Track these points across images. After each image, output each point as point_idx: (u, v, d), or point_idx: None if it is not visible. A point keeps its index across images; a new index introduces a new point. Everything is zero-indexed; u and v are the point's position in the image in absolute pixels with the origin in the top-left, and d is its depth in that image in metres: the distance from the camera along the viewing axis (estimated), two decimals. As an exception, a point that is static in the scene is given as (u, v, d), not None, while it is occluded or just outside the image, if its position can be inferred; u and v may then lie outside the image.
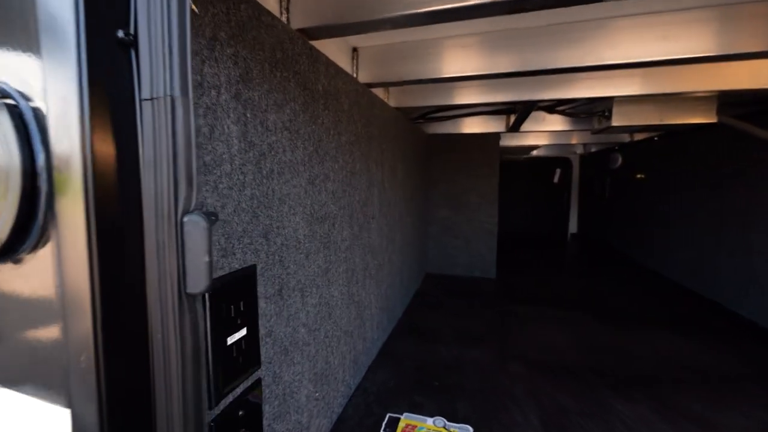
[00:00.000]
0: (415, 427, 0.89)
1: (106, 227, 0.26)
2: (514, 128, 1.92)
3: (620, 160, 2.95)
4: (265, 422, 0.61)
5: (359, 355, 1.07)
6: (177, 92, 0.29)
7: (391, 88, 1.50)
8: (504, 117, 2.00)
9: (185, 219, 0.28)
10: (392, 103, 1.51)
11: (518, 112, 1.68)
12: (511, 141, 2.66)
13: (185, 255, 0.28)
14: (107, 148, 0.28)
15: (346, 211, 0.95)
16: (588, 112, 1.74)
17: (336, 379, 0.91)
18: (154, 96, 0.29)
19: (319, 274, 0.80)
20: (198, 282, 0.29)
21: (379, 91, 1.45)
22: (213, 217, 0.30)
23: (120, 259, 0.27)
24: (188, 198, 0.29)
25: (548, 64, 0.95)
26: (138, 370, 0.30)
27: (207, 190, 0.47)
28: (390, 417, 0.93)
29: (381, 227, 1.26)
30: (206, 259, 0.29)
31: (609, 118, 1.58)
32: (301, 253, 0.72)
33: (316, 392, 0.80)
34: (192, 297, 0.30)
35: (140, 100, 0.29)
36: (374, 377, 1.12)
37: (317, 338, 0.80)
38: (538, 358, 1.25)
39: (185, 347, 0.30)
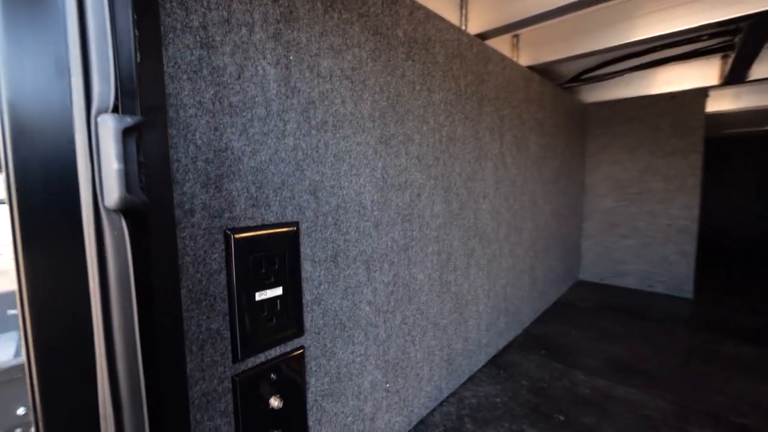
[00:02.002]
0: (514, 463, 0.68)
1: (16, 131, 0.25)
2: (736, 76, 1.29)
3: None
4: (311, 396, 0.56)
5: (456, 356, 0.91)
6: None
7: (522, 43, 1.24)
8: (715, 60, 1.38)
9: (98, 119, 0.25)
10: (524, 60, 1.25)
11: (743, 45, 1.10)
12: (728, 102, 1.84)
13: (100, 162, 0.25)
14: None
15: (440, 182, 0.81)
16: None
17: (418, 376, 0.79)
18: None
19: (393, 249, 0.70)
20: (111, 194, 0.25)
21: (500, 44, 1.22)
22: (132, 119, 0.25)
23: (34, 164, 0.25)
24: (103, 96, 0.25)
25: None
26: (66, 295, 0.28)
27: (233, 132, 0.45)
28: (484, 439, 0.74)
29: (497, 210, 1.05)
30: (116, 166, 0.24)
31: None
32: (366, 221, 0.64)
33: (387, 383, 0.70)
34: (114, 214, 0.26)
35: None
36: (477, 388, 0.93)
37: (389, 322, 0.70)
38: (743, 424, 0.78)
39: (106, 271, 0.26)
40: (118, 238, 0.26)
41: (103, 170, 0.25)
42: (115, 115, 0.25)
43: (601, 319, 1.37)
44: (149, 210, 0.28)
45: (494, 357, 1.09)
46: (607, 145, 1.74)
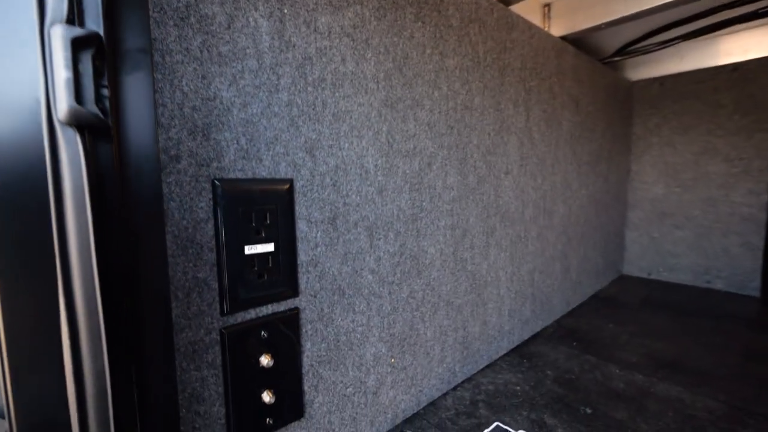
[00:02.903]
0: (529, 452, 0.62)
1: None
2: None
3: None
4: (306, 361, 0.54)
5: (473, 340, 0.86)
6: None
7: (554, 12, 1.15)
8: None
9: (51, 30, 0.25)
10: (556, 30, 1.16)
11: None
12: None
13: (53, 73, 0.25)
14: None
15: (454, 153, 0.77)
16: None
17: (429, 355, 0.75)
18: None
19: (400, 218, 0.67)
20: (60, 105, 0.25)
21: (529, 12, 1.14)
22: (84, 30, 0.25)
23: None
24: (56, 7, 0.25)
25: None
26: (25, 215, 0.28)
27: (222, 82, 0.44)
28: (499, 427, 0.69)
29: (522, 189, 0.98)
30: (63, 74, 0.24)
31: None
32: (369, 186, 0.61)
33: (392, 357, 0.68)
34: (69, 129, 0.26)
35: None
36: (495, 375, 0.87)
37: (395, 294, 0.67)
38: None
39: (59, 186, 0.26)
40: (73, 156, 0.26)
41: (55, 80, 0.25)
42: (66, 24, 0.25)
43: (646, 314, 1.24)
44: (109, 129, 0.28)
45: (518, 346, 1.02)
46: (656, 126, 1.58)
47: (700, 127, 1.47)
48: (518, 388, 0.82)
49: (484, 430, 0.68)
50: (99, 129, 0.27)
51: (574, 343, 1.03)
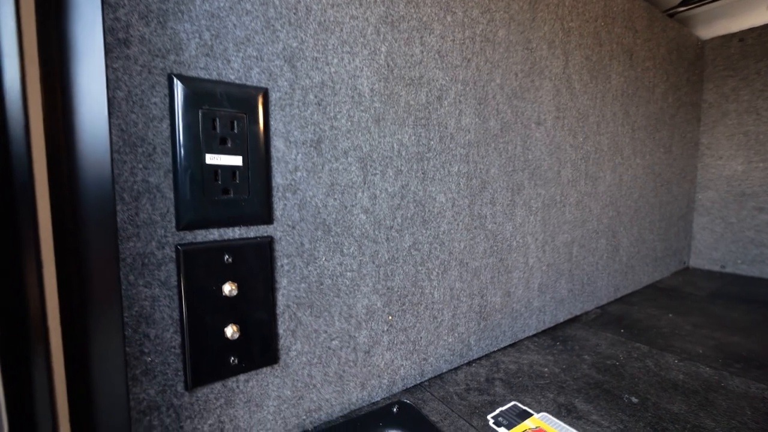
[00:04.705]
0: (551, 436, 0.50)
1: None
2: None
3: None
4: (282, 300, 0.48)
5: (493, 311, 0.74)
6: None
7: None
8: None
9: None
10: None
11: None
12: None
13: None
14: None
15: (471, 90, 0.67)
16: None
17: (436, 319, 0.65)
18: None
19: (402, 155, 0.58)
20: None
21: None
22: None
23: None
24: None
25: None
26: None
27: (181, -34, 0.39)
28: (516, 407, 0.57)
29: (558, 145, 0.85)
30: None
31: None
32: (363, 111, 0.54)
33: (389, 314, 0.59)
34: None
35: None
36: (519, 354, 0.75)
37: (394, 242, 0.59)
38: None
39: None
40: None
41: None
42: None
43: (716, 307, 1.03)
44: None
45: (551, 329, 0.88)
46: (734, 90, 1.33)
47: (794, 88, 1.21)
48: (546, 369, 0.69)
49: (497, 408, 0.57)
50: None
51: (621, 330, 0.87)
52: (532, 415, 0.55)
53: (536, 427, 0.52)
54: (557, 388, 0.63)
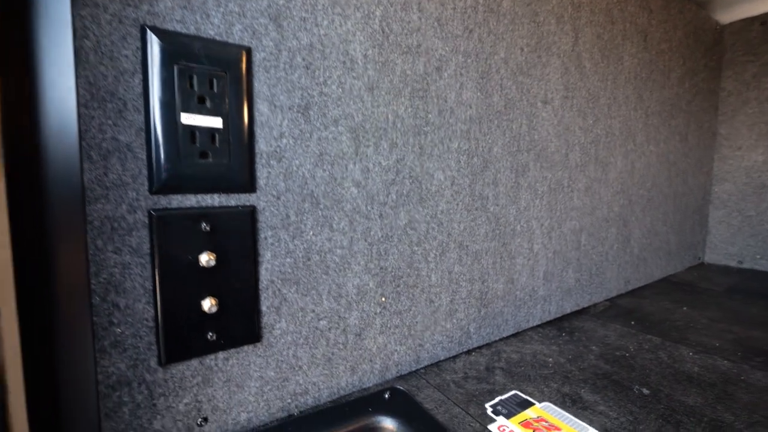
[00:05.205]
0: (553, 427, 0.47)
1: None
2: None
3: None
4: (265, 274, 0.45)
5: (495, 298, 0.71)
6: None
7: None
8: None
9: None
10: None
11: None
12: None
13: None
14: None
15: (473, 62, 0.63)
16: None
17: (433, 303, 0.62)
18: None
19: (397, 126, 0.55)
20: None
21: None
22: None
23: None
24: None
25: None
26: None
27: None
28: (517, 396, 0.54)
29: (567, 127, 0.80)
30: None
31: None
32: (355, 78, 0.51)
33: (382, 296, 0.56)
34: None
35: None
36: (521, 344, 0.71)
37: (388, 219, 0.55)
38: None
39: None
40: None
41: None
42: None
43: (734, 302, 0.97)
44: None
45: (557, 319, 0.84)
46: (755, 77, 1.27)
47: (821, 73, 1.14)
48: (550, 359, 0.65)
49: (497, 396, 0.53)
50: None
51: (632, 322, 0.82)
52: (534, 404, 0.52)
53: (538, 417, 0.49)
54: (562, 378, 0.59)
